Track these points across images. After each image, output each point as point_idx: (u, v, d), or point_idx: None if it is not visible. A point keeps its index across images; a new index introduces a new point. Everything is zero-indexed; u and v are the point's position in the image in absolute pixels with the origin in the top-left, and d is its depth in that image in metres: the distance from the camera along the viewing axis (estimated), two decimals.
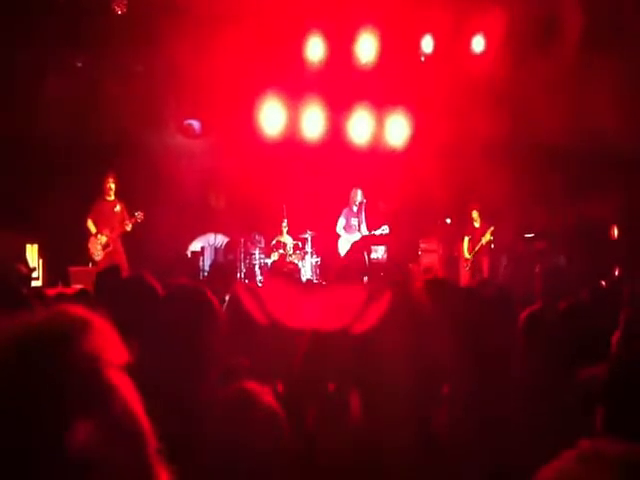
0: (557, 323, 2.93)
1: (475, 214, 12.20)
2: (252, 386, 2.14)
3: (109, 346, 0.89)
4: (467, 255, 12.22)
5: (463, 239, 12.32)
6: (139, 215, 10.57)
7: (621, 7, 10.49)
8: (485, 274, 11.64)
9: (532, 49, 11.15)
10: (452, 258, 12.84)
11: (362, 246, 12.14)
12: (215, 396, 2.18)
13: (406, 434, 2.33)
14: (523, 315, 2.99)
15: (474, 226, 12.23)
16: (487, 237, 12.05)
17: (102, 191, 10.66)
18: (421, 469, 2.29)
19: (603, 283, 10.70)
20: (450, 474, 2.37)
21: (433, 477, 2.35)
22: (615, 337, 2.98)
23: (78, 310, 0.90)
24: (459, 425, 2.50)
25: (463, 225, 12.50)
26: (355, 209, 12.44)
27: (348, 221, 12.48)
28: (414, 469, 2.27)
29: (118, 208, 10.69)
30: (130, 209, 10.77)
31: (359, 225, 12.40)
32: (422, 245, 12.93)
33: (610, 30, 10.59)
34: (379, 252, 12.44)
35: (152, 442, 0.91)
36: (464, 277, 11.97)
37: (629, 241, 11.55)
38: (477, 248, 12.11)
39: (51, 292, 8.56)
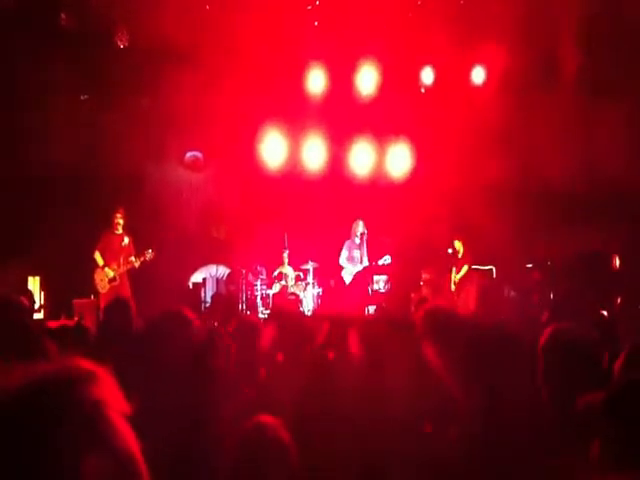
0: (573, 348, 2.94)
1: (458, 244, 12.19)
2: (268, 420, 2.17)
3: (110, 394, 0.98)
4: (452, 287, 12.21)
5: (451, 271, 12.30)
6: (149, 254, 10.56)
7: (621, 48, 10.59)
8: (471, 306, 11.51)
9: (532, 83, 11.26)
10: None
11: (364, 277, 12.16)
12: (231, 432, 2.20)
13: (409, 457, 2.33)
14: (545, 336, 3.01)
15: (457, 257, 12.23)
16: (461, 273, 12.07)
17: (110, 225, 10.66)
18: None
19: (605, 313, 10.71)
20: None
21: None
22: (617, 365, 2.97)
23: (85, 363, 1.00)
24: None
25: (452, 256, 12.48)
26: (357, 241, 12.43)
27: (350, 252, 12.48)
28: None
29: (126, 242, 10.70)
30: (135, 242, 10.78)
31: (361, 257, 12.39)
32: (424, 275, 12.91)
33: (611, 71, 10.70)
34: (380, 283, 12.44)
35: None
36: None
37: (631, 271, 11.54)
38: (455, 281, 12.10)
39: (53, 324, 8.57)
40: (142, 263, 10.62)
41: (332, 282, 12.47)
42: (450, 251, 12.68)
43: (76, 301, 10.10)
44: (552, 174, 10.90)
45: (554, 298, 10.69)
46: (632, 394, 1.73)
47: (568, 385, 2.67)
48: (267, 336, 3.71)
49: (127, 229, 10.79)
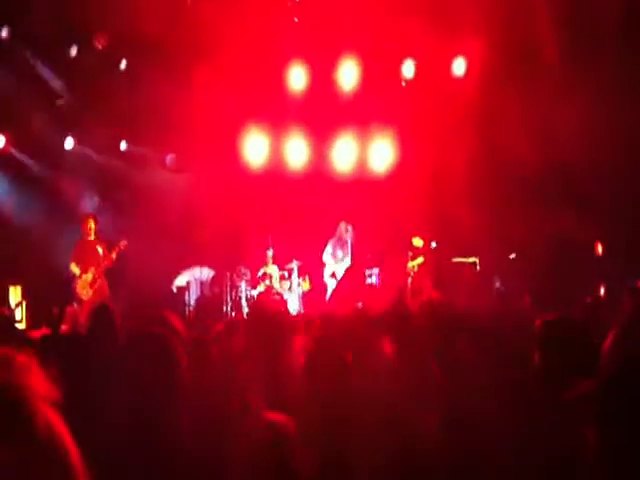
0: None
1: (416, 241, 12.25)
2: (278, 418, 2.19)
3: (35, 382, 0.94)
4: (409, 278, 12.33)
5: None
6: (123, 243, 10.50)
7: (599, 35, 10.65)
8: (426, 296, 11.56)
9: (511, 74, 11.27)
10: (439, 281, 12.82)
11: (356, 271, 12.19)
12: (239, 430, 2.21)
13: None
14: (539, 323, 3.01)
15: (416, 250, 12.33)
16: (416, 261, 12.15)
17: (83, 232, 10.59)
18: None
19: (588, 300, 10.76)
20: None
21: None
22: (605, 347, 2.95)
23: (9, 351, 0.98)
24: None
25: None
26: (342, 240, 12.44)
27: (334, 250, 12.48)
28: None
29: (100, 249, 10.62)
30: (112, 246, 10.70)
31: (344, 256, 12.40)
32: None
33: (588, 56, 10.75)
34: (373, 277, 12.46)
35: (82, 473, 0.94)
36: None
37: (613, 258, 11.60)
38: (411, 269, 12.19)
39: (36, 334, 8.45)
40: (118, 255, 10.52)
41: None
42: (434, 245, 12.71)
43: (55, 308, 9.95)
44: (532, 164, 10.92)
45: (535, 287, 10.72)
46: (622, 380, 1.70)
47: (565, 373, 2.66)
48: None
49: (99, 236, 10.70)
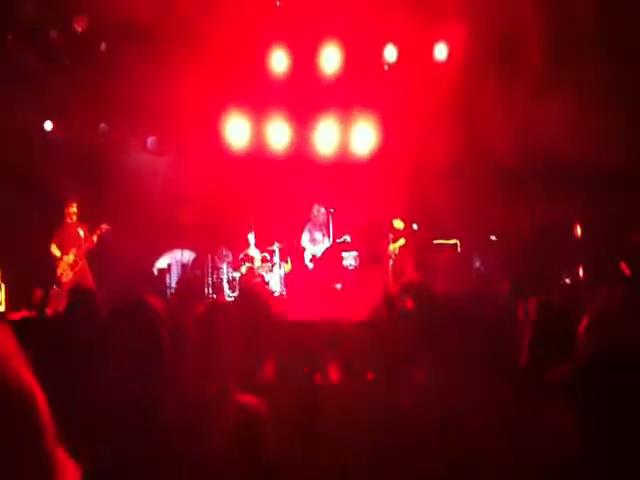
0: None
1: (397, 223, 12.33)
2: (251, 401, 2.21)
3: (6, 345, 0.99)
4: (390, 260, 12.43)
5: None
6: (104, 226, 10.49)
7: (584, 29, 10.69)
8: (408, 276, 11.66)
9: (492, 60, 11.30)
10: (420, 263, 12.90)
11: (333, 253, 12.24)
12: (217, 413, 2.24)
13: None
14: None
15: (397, 232, 12.42)
16: (397, 243, 12.25)
17: (64, 216, 10.57)
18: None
19: (567, 281, 10.90)
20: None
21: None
22: (580, 329, 3.00)
23: None
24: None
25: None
26: (318, 222, 12.47)
27: (312, 234, 12.51)
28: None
29: (81, 232, 10.61)
30: (94, 229, 10.67)
31: (323, 237, 12.44)
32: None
33: (571, 49, 10.80)
34: (349, 259, 12.49)
35: (50, 429, 0.98)
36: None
37: (593, 240, 11.72)
38: (392, 251, 12.28)
39: (16, 316, 8.43)
40: (99, 237, 10.52)
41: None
42: (415, 227, 12.77)
43: (38, 290, 9.93)
44: (512, 149, 10.99)
45: (514, 269, 10.83)
46: (597, 369, 1.74)
47: (551, 354, 2.71)
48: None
49: (81, 220, 10.68)
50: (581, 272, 11.32)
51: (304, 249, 12.58)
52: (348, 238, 12.34)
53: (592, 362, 1.76)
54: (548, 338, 2.82)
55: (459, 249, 12.57)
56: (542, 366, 2.68)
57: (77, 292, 5.08)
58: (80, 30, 10.53)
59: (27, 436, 0.95)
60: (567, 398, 1.82)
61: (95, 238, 10.52)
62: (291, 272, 12.49)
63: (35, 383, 0.99)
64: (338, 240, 12.34)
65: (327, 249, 12.35)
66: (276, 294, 11.99)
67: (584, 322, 2.89)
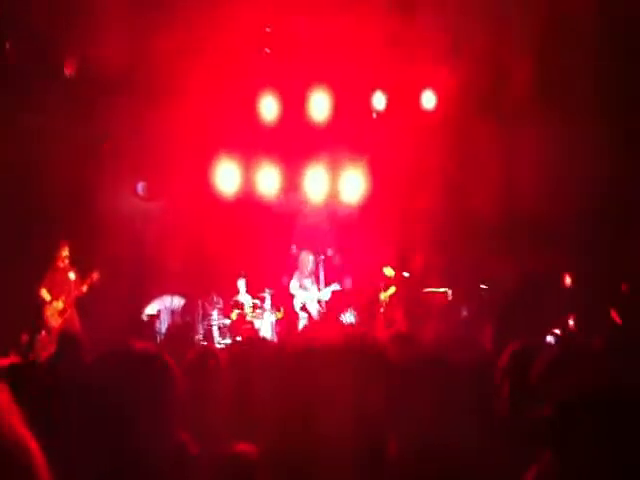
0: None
1: (387, 271, 12.37)
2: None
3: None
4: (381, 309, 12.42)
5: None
6: (95, 275, 10.49)
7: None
8: (400, 325, 11.64)
9: (481, 109, 11.47)
10: (413, 312, 12.89)
11: (335, 306, 12.24)
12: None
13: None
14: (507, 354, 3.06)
15: (387, 280, 12.45)
16: (388, 292, 12.28)
17: (55, 259, 10.54)
18: None
19: (558, 332, 10.87)
20: None
21: None
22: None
23: None
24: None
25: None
26: (307, 269, 12.45)
27: (301, 281, 12.48)
28: None
29: (72, 276, 10.58)
30: (85, 274, 10.63)
31: (312, 284, 12.42)
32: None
33: (558, 94, 10.99)
34: (348, 317, 12.45)
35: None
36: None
37: (583, 290, 11.74)
38: (383, 300, 12.29)
39: (3, 362, 8.32)
40: (90, 287, 10.50)
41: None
42: (406, 275, 12.77)
43: (25, 337, 9.84)
44: (499, 198, 11.09)
45: (498, 317, 10.81)
46: (574, 411, 1.75)
47: (530, 397, 2.70)
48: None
49: (73, 263, 10.66)
50: (571, 322, 11.31)
51: (293, 296, 12.54)
52: (338, 286, 12.32)
53: (569, 406, 1.77)
54: (523, 386, 2.82)
55: (449, 297, 12.57)
56: (521, 414, 2.67)
57: (65, 339, 5.06)
58: (69, 75, 10.64)
59: None
60: (545, 438, 1.82)
61: (85, 287, 10.50)
62: (282, 319, 12.43)
63: (31, 438, 1.01)
64: (327, 288, 12.31)
65: (332, 299, 12.29)
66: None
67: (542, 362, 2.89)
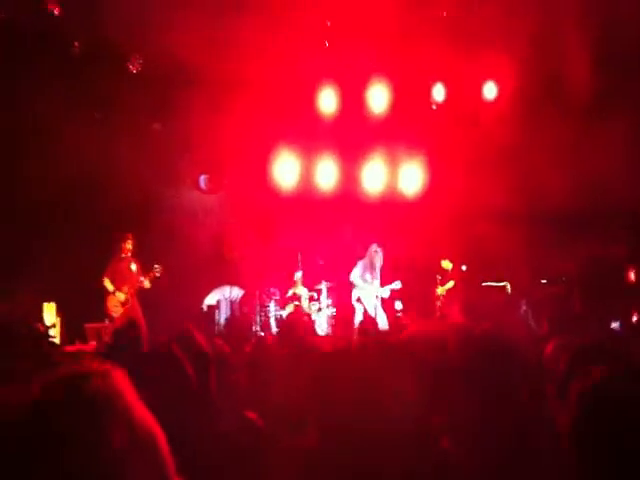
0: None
1: (445, 264, 12.29)
2: None
3: (124, 385, 1.12)
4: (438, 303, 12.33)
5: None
6: (157, 269, 10.67)
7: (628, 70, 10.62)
8: (455, 319, 11.52)
9: (542, 100, 11.25)
10: (471, 306, 12.77)
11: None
12: None
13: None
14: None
15: (445, 273, 12.47)
16: (446, 286, 12.26)
17: (119, 250, 10.78)
18: None
19: (616, 326, 10.61)
20: None
21: None
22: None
23: (97, 363, 1.16)
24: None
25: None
26: (371, 262, 12.40)
27: (363, 273, 12.46)
28: None
29: (134, 267, 10.81)
30: (147, 266, 10.85)
31: (372, 279, 12.38)
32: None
33: (620, 91, 10.71)
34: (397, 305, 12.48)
35: (171, 462, 1.11)
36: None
37: None
38: (440, 295, 12.21)
39: (70, 349, 8.60)
40: (152, 280, 10.70)
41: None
42: (464, 268, 12.66)
43: (88, 325, 10.11)
44: (562, 191, 10.86)
45: (557, 312, 10.62)
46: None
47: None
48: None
49: (136, 255, 10.89)
50: (635, 317, 11.03)
51: (353, 285, 12.52)
52: (399, 284, 12.26)
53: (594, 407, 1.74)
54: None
55: (509, 291, 12.42)
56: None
57: (123, 326, 5.18)
58: (134, 71, 10.85)
59: (162, 469, 1.09)
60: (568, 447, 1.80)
61: (149, 280, 10.69)
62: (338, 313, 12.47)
63: (154, 421, 1.10)
64: (389, 285, 12.27)
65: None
66: (322, 334, 11.99)
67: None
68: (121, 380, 1.12)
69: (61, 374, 1.10)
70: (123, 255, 10.78)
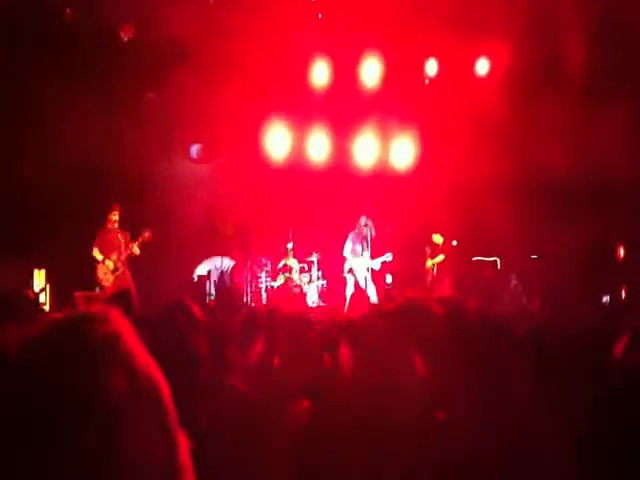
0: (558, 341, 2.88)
1: (436, 238, 12.31)
2: None
3: (125, 329, 1.10)
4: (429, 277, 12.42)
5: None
6: (147, 234, 10.62)
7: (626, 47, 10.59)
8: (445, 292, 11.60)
9: (535, 76, 11.23)
10: (461, 280, 12.83)
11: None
12: None
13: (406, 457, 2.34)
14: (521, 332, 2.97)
15: (435, 247, 12.49)
16: (435, 260, 12.29)
17: (106, 222, 10.74)
18: None
19: (606, 300, 10.71)
20: None
21: None
22: (617, 349, 2.89)
23: (99, 308, 1.13)
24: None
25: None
26: (361, 235, 12.40)
27: (354, 245, 12.47)
28: None
29: (121, 238, 10.76)
30: (136, 234, 10.81)
31: (363, 251, 12.39)
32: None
33: (615, 69, 10.69)
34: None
35: (173, 412, 1.09)
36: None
37: (636, 261, 11.52)
38: (429, 268, 12.26)
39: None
40: (141, 246, 10.67)
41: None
42: (455, 243, 12.70)
43: (78, 293, 10.08)
44: (553, 167, 10.87)
45: (549, 288, 10.69)
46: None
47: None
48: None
49: (126, 226, 10.85)
50: (623, 293, 11.13)
51: (345, 259, 12.55)
52: (390, 256, 12.27)
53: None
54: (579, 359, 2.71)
55: (499, 266, 12.48)
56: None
57: (115, 295, 5.20)
58: (126, 39, 10.73)
59: (164, 418, 1.08)
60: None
61: (137, 244, 10.65)
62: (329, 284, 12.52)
63: (157, 369, 1.11)
64: (380, 258, 12.28)
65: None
66: (313, 305, 12.06)
67: (624, 337, 2.78)
68: (123, 325, 1.13)
69: (60, 316, 1.11)
70: (109, 226, 10.74)
